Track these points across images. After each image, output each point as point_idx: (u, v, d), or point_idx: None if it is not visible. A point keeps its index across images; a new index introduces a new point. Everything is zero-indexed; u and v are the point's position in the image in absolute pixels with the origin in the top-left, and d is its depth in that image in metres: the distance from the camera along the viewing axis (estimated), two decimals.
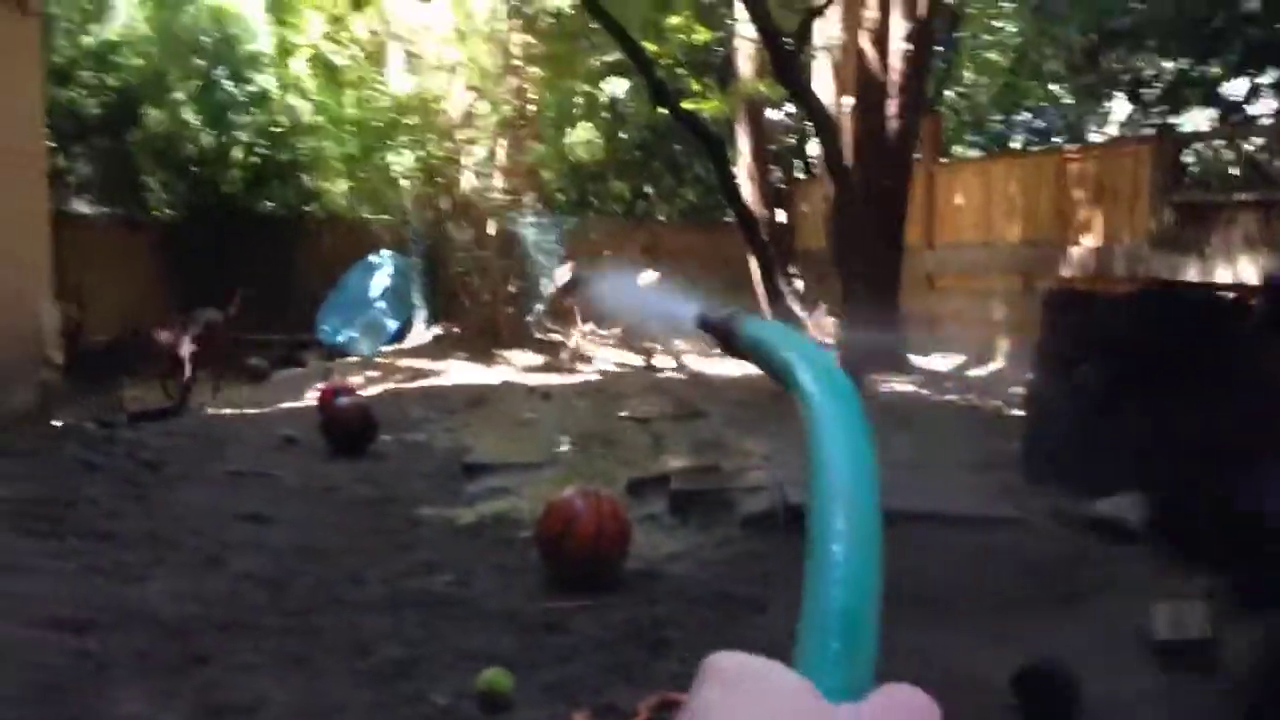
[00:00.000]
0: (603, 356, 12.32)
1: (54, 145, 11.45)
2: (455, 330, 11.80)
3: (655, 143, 15.69)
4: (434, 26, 11.41)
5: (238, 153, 13.17)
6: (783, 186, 15.31)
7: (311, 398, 8.53)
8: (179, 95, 12.99)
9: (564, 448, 6.84)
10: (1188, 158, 9.25)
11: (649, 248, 14.69)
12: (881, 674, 0.44)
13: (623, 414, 8.02)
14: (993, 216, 10.93)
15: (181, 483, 5.83)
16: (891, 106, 9.82)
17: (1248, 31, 10.75)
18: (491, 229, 12.20)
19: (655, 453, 6.63)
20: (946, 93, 16.06)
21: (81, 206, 13.64)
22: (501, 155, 12.15)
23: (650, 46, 10.28)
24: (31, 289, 8.43)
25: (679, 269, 13.83)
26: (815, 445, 0.52)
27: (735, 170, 11.31)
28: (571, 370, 11.20)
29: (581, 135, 12.80)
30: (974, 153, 16.75)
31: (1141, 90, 12.72)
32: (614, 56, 12.20)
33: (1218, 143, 9.64)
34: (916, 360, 10.64)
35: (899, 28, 9.68)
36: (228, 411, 8.81)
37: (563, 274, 12.03)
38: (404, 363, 11.07)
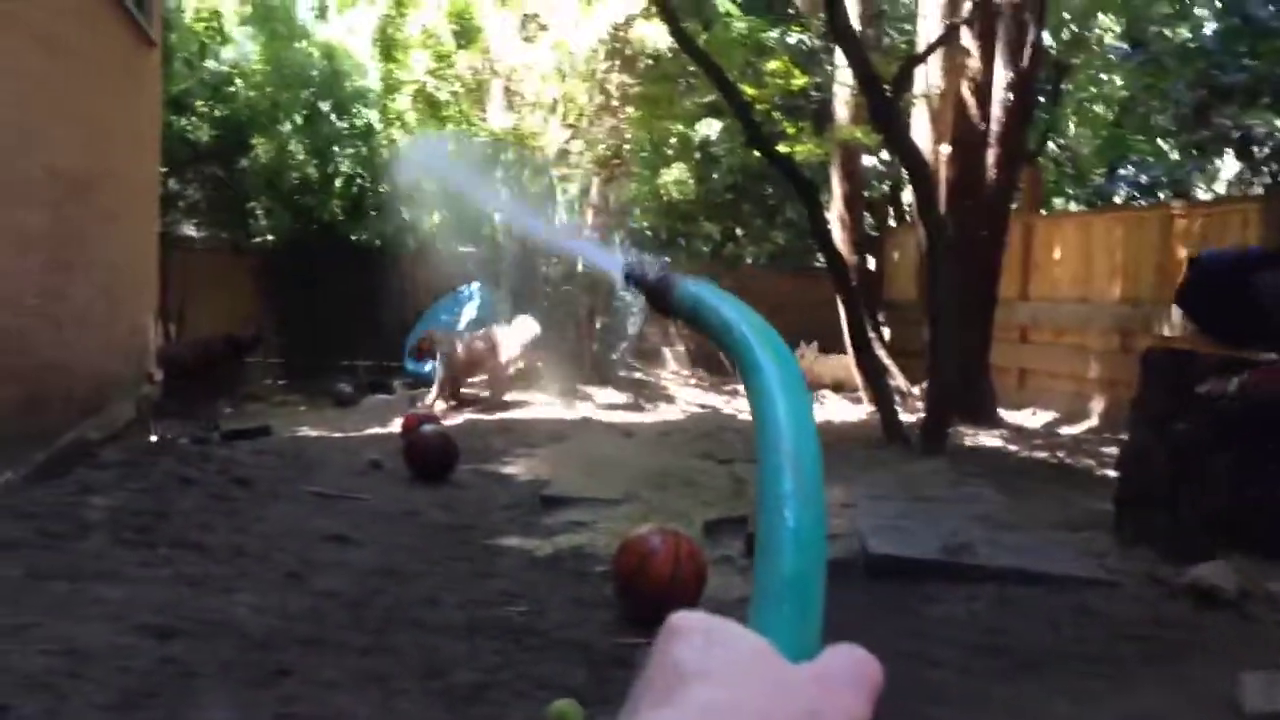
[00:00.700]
0: (685, 397, 12.31)
1: (166, 170, 11.95)
2: (539, 364, 11.91)
3: (747, 185, 15.73)
4: (535, 65, 11.64)
5: (339, 183, 13.56)
6: (874, 233, 15.20)
7: (396, 424, 8.68)
8: (286, 126, 13.44)
9: (642, 485, 6.83)
10: None
11: (736, 291, 14.67)
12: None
13: (703, 454, 8.00)
14: (1092, 271, 10.67)
15: (270, 500, 5.96)
16: (990, 156, 9.70)
17: None
18: (580, 266, 12.32)
19: (734, 494, 6.58)
20: (1048, 144, 15.82)
21: (189, 230, 14.16)
22: (594, 193, 12.30)
23: (748, 90, 10.33)
24: (140, 308, 8.77)
25: (767, 313, 13.80)
26: (761, 410, 0.52)
27: (827, 215, 11.27)
28: (654, 409, 11.22)
29: (674, 175, 12.89)
30: (1075, 206, 16.42)
31: (1252, 147, 12.36)
32: (709, 98, 12.29)
33: None
34: (1005, 414, 10.42)
35: (1001, 77, 9.58)
36: (316, 434, 9.00)
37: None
38: (487, 394, 11.20)
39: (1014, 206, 10.75)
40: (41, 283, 5.95)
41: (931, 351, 8.46)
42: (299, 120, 13.53)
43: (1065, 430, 9.93)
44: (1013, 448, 8.91)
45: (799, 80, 12.10)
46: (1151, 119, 13.88)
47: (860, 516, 5.61)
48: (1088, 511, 6.06)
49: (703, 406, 11.63)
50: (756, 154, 9.93)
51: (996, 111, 9.65)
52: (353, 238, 13.46)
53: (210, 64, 13.78)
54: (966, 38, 9.74)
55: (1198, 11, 12.65)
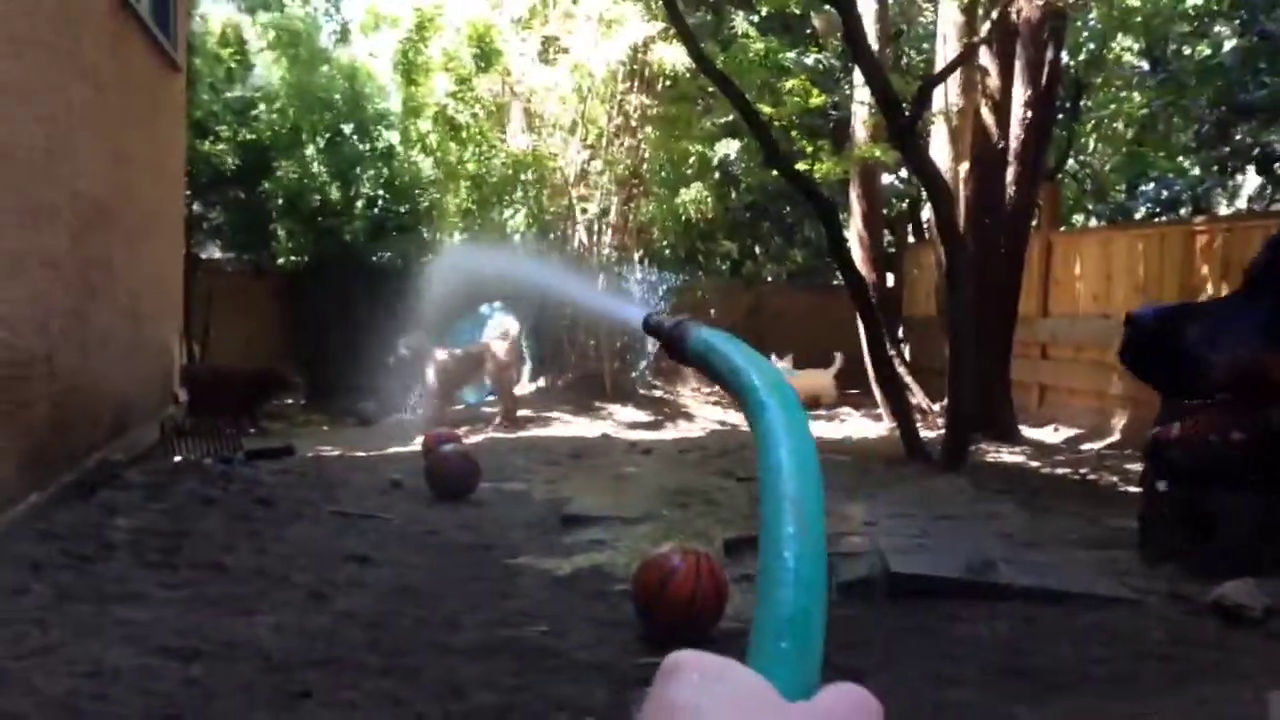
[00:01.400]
0: (705, 414, 12.31)
1: (190, 193, 12.09)
2: (560, 382, 11.94)
3: (766, 203, 15.76)
4: (554, 87, 11.73)
5: (360, 204, 13.67)
6: (893, 250, 15.19)
7: (417, 443, 8.72)
8: (309, 149, 13.57)
9: (662, 503, 6.83)
10: None
11: (755, 308, 14.71)
12: None
13: (723, 472, 7.99)
14: (1113, 288, 10.63)
15: (292, 520, 5.99)
16: (1009, 174, 9.70)
17: None
18: (601, 284, 12.38)
19: (755, 512, 6.56)
20: (1068, 162, 15.78)
21: (213, 252, 14.31)
22: (613, 212, 12.36)
23: (765, 109, 10.37)
24: (164, 330, 8.86)
25: (786, 329, 13.82)
26: (766, 454, 0.54)
27: (846, 233, 11.27)
28: (674, 426, 11.22)
29: (693, 194, 12.93)
30: (1095, 222, 16.36)
31: (1273, 164, 12.29)
32: (728, 117, 12.34)
33: None
34: (1026, 431, 10.37)
35: (1020, 95, 9.59)
36: (338, 453, 9.05)
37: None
38: (497, 410, 11.23)
39: (1033, 223, 10.73)
40: (66, 306, 6.03)
41: (951, 368, 8.44)
42: (321, 143, 13.66)
43: (1087, 446, 9.87)
44: (1034, 464, 8.87)
45: (817, 99, 12.14)
46: (1172, 136, 13.82)
47: (882, 535, 5.59)
48: (1111, 529, 6.02)
49: (722, 424, 11.63)
50: (775, 173, 9.96)
51: (1015, 129, 9.65)
52: (374, 258, 13.55)
53: (234, 88, 13.95)
54: (985, 57, 9.76)
55: (1217, 29, 12.61)
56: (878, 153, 10.99)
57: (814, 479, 0.53)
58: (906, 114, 8.17)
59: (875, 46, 9.81)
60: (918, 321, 13.60)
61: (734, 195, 15.55)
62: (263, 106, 13.78)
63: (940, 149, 10.92)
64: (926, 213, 12.72)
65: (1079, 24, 12.90)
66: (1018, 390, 10.59)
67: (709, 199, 13.35)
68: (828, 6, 9.14)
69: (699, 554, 4.45)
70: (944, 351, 8.93)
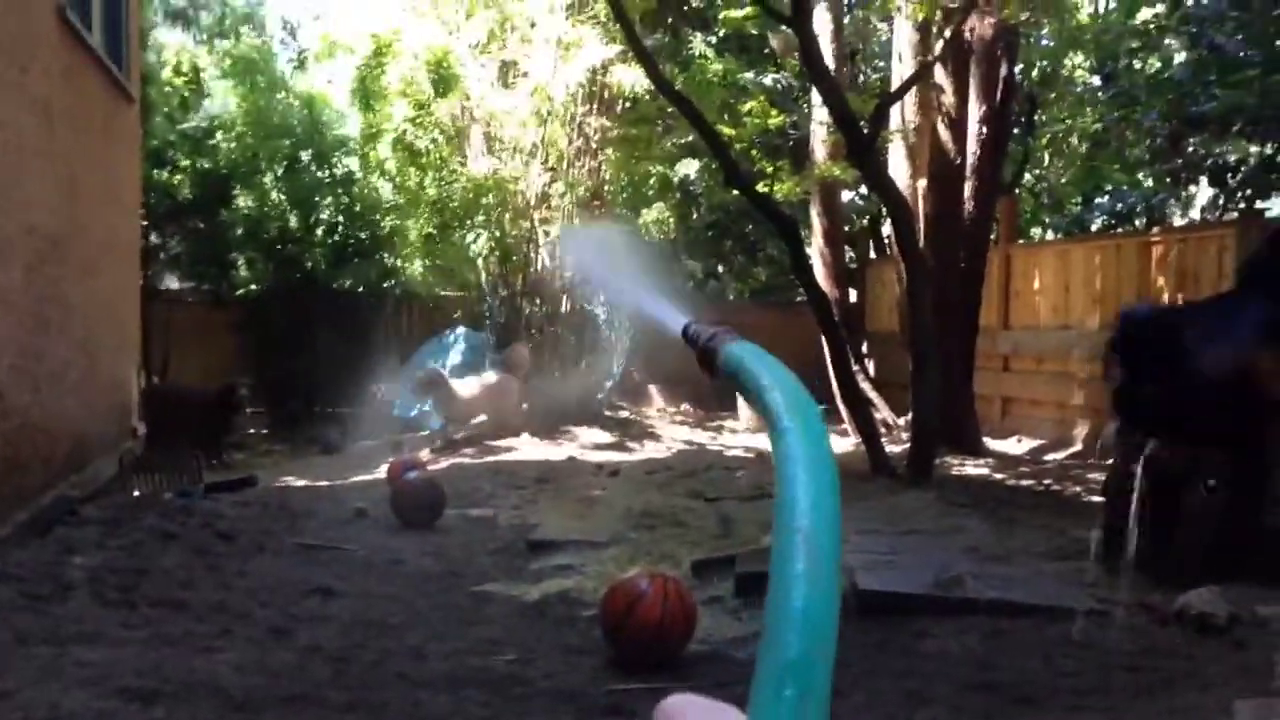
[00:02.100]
0: (671, 435, 12.30)
1: (147, 224, 11.96)
2: (524, 405, 11.89)
3: (728, 222, 15.83)
4: (514, 110, 11.72)
5: (320, 232, 13.58)
6: (854, 266, 15.30)
7: (382, 471, 8.64)
8: (267, 177, 13.48)
9: (630, 526, 6.80)
10: None
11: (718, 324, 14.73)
12: None
13: (690, 493, 7.98)
14: (1072, 299, 10.75)
15: (254, 554, 5.90)
16: (967, 189, 9.80)
17: None
18: (564, 307, 12.36)
19: (723, 533, 6.56)
20: (1024, 176, 15.99)
21: (171, 282, 14.15)
22: None
23: (725, 130, 10.42)
24: (121, 363, 8.73)
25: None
26: (782, 484, 0.52)
27: (808, 250, 11.33)
28: (640, 447, 11.20)
29: (654, 214, 12.96)
30: (1052, 235, 16.57)
31: (1225, 175, 12.51)
32: (688, 137, 12.39)
33: None
34: (990, 443, 10.44)
35: (975, 112, 9.71)
36: (302, 483, 8.95)
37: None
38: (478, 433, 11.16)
39: (992, 237, 10.85)
40: (19, 342, 5.93)
41: (915, 382, 8.49)
42: (280, 170, 13.57)
43: (1050, 457, 9.95)
44: (999, 476, 8.92)
45: (775, 119, 12.22)
46: (1126, 149, 14.05)
47: (849, 552, 5.59)
48: (1076, 540, 6.05)
49: (689, 444, 11.62)
50: (736, 192, 10.00)
51: (972, 145, 9.77)
52: (335, 286, 13.46)
53: (190, 117, 13.83)
54: (940, 74, 9.88)
55: (1167, 42, 12.84)
56: (837, 171, 11.08)
57: (831, 513, 0.50)
58: (864, 132, 8.24)
59: (832, 66, 9.90)
60: (881, 337, 13.69)
61: (695, 215, 15.62)
62: (220, 135, 13.68)
63: (898, 166, 11.04)
64: (887, 229, 12.84)
65: (1031, 41, 13.09)
66: (981, 403, 10.67)
67: (671, 219, 13.39)
68: (784, 27, 9.21)
69: (666, 577, 4.43)
70: (907, 366, 8.99)
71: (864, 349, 13.40)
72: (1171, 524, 5.07)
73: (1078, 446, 10.05)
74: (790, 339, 13.68)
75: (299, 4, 25.97)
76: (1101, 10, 15.31)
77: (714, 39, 13.83)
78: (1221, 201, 13.45)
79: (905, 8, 9.83)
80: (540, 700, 3.79)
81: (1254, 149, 12.31)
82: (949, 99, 9.93)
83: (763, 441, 11.61)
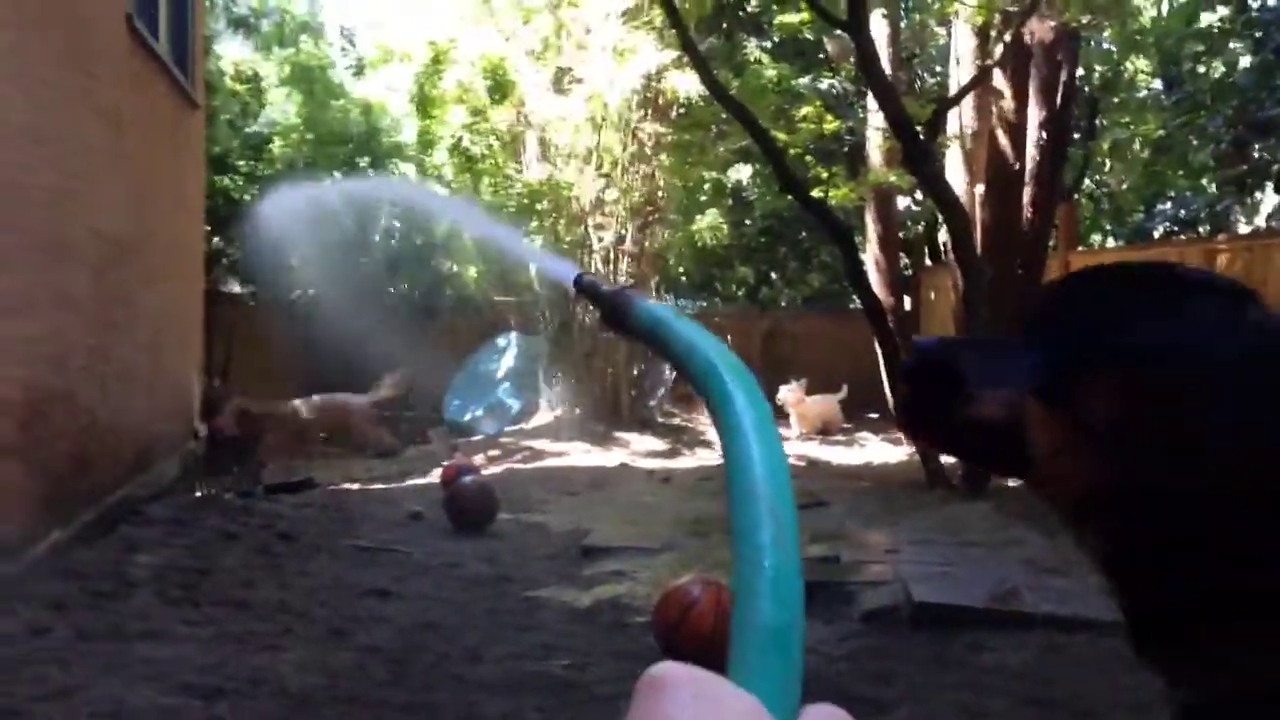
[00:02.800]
0: None
1: (210, 229, 12.19)
2: (577, 412, 11.93)
3: (781, 228, 15.77)
4: (569, 116, 11.79)
5: (377, 237, 13.75)
6: (909, 273, 15.16)
7: (436, 475, 8.72)
8: (325, 183, 13.67)
9: (682, 533, 6.79)
10: None
11: (772, 334, 14.69)
12: None
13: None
14: None
15: (313, 555, 5.99)
16: (1025, 195, 9.67)
17: None
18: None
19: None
20: (1085, 182, 15.74)
21: (233, 286, 14.41)
22: (629, 240, 12.38)
23: (780, 136, 10.38)
24: (185, 365, 8.91)
25: (802, 354, 13.79)
26: (733, 451, 0.51)
27: (863, 257, 11.26)
28: (691, 454, 11.19)
29: (708, 221, 12.95)
30: (1113, 243, 16.29)
31: None
32: (742, 143, 12.37)
33: None
34: None
35: (1035, 117, 9.57)
36: (358, 486, 9.05)
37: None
38: (526, 443, 11.22)
39: (1051, 244, 10.68)
40: (87, 344, 6.07)
41: None
42: (337, 177, 13.77)
43: None
44: None
45: (831, 125, 12.15)
46: (1189, 155, 13.77)
47: (904, 563, 5.54)
48: None
49: None
50: (790, 198, 9.96)
51: (1031, 150, 9.63)
52: (391, 290, 13.61)
53: (251, 124, 14.09)
54: (999, 79, 9.75)
55: (1231, 45, 12.59)
56: (893, 178, 10.99)
57: (786, 481, 0.50)
58: (921, 137, 8.16)
59: (888, 70, 9.82)
60: None
61: (749, 221, 15.58)
62: (278, 141, 13.91)
63: (955, 171, 10.91)
64: (943, 236, 12.70)
65: (1091, 45, 12.89)
66: None
67: (724, 225, 13.38)
68: (840, 32, 9.16)
69: (720, 585, 4.42)
70: None
71: None
72: None
73: None
74: (844, 346, 13.65)
75: (357, 12, 26.36)
76: (1164, 13, 15.04)
77: (769, 44, 13.80)
78: None
79: (963, 11, 9.73)
80: (595, 704, 3.80)
81: None
82: (1008, 104, 9.80)
83: (813, 449, 11.56)
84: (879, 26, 10.68)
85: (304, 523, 6.80)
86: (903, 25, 12.70)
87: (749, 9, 14.08)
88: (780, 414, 13.08)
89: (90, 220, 6.16)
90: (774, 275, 16.93)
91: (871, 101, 10.84)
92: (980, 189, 10.28)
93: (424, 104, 12.66)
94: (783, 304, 16.47)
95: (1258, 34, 11.19)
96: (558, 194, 11.98)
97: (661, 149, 12.35)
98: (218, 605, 4.76)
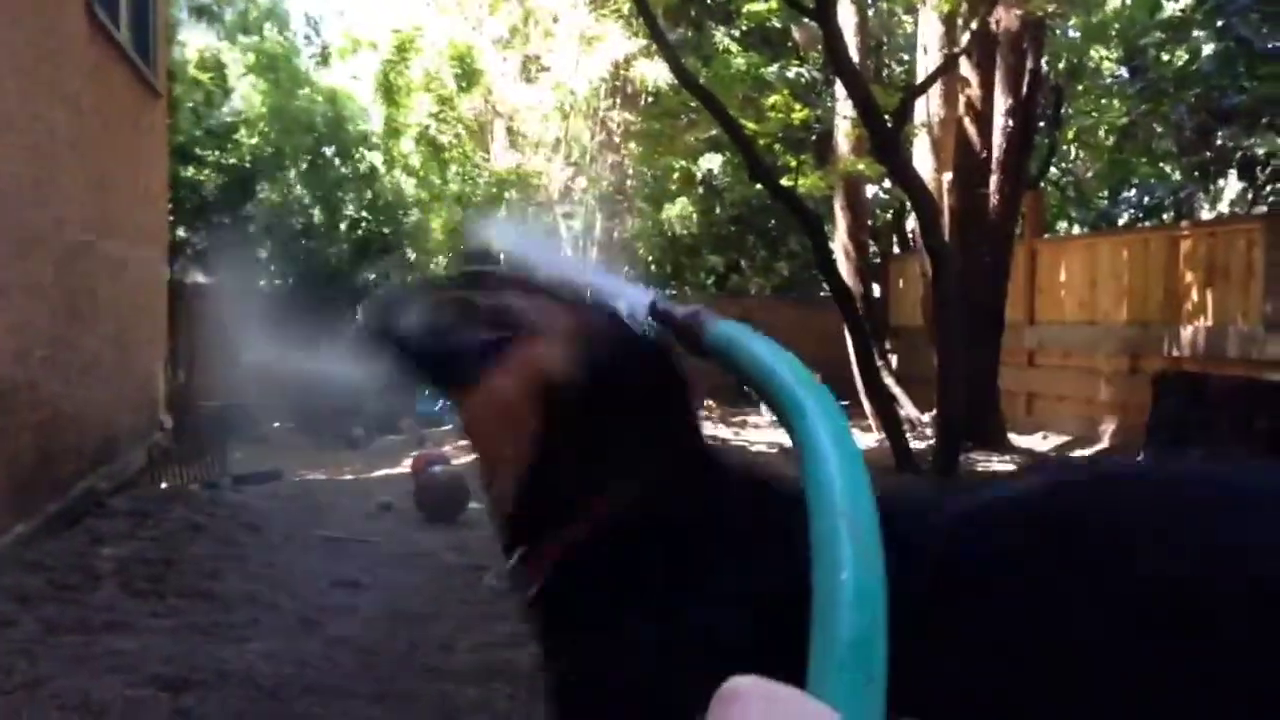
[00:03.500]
0: None
1: (174, 219, 12.05)
2: None
3: (750, 216, 15.79)
4: (537, 105, 11.74)
5: (344, 226, 13.65)
6: (878, 261, 15.23)
7: (406, 465, 8.68)
8: (291, 173, 13.56)
9: None
10: None
11: (742, 321, 14.72)
12: None
13: None
14: (1098, 294, 10.67)
15: (281, 545, 5.94)
16: (992, 182, 9.74)
17: None
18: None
19: None
20: (1050, 169, 15.87)
21: (197, 276, 14.26)
22: (598, 229, 12.36)
23: (749, 125, 10.39)
24: (149, 356, 8.80)
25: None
26: (811, 466, 0.50)
27: (832, 245, 11.30)
28: None
29: (677, 209, 12.95)
30: (1078, 229, 16.45)
31: (1255, 168, 12.39)
32: (711, 132, 12.38)
33: None
34: (1016, 439, 10.38)
35: (1001, 105, 9.64)
36: (326, 477, 9.00)
37: None
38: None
39: (1018, 231, 10.77)
40: (51, 335, 5.98)
41: (940, 377, 8.44)
42: (303, 166, 13.64)
43: (1076, 453, 9.88)
44: None
45: (800, 114, 12.18)
46: (1153, 142, 13.92)
47: None
48: None
49: (711, 439, 11.60)
50: (759, 186, 9.98)
51: (997, 138, 9.70)
52: (360, 279, 13.52)
53: (215, 113, 13.93)
54: (966, 67, 9.81)
55: (1195, 33, 12.71)
56: (861, 166, 11.03)
57: (866, 492, 0.50)
58: (889, 126, 8.20)
59: (856, 59, 9.85)
60: (905, 332, 13.63)
61: (718, 209, 15.59)
62: (243, 131, 13.76)
63: (923, 159, 10.98)
64: (912, 223, 12.77)
65: (1057, 33, 12.98)
66: (1006, 398, 10.60)
67: (693, 214, 13.39)
68: (808, 20, 9.17)
69: None
70: (931, 361, 8.95)
71: (888, 344, 13.34)
72: None
73: (1104, 443, 9.98)
74: (813, 334, 13.66)
75: (322, 0, 26.07)
76: (1128, 1, 15.17)
77: (737, 32, 13.79)
78: (1250, 195, 13.32)
79: (930, 0, 9.77)
80: None
81: None
82: (975, 92, 9.86)
83: (784, 436, 11.59)
84: (846, 15, 10.70)
85: (271, 514, 6.75)
86: (870, 13, 12.74)
87: None
88: (752, 400, 13.12)
89: (55, 209, 6.07)
90: (743, 263, 16.97)
91: (840, 90, 10.87)
92: (948, 176, 10.35)
93: (390, 92, 12.57)
94: (752, 292, 16.51)
95: (1219, 23, 11.31)
96: (526, 183, 11.94)
97: (630, 137, 12.34)
98: (184, 597, 4.71)
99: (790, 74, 14.42)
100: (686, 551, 0.91)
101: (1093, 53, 15.06)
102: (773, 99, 12.03)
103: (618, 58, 11.52)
